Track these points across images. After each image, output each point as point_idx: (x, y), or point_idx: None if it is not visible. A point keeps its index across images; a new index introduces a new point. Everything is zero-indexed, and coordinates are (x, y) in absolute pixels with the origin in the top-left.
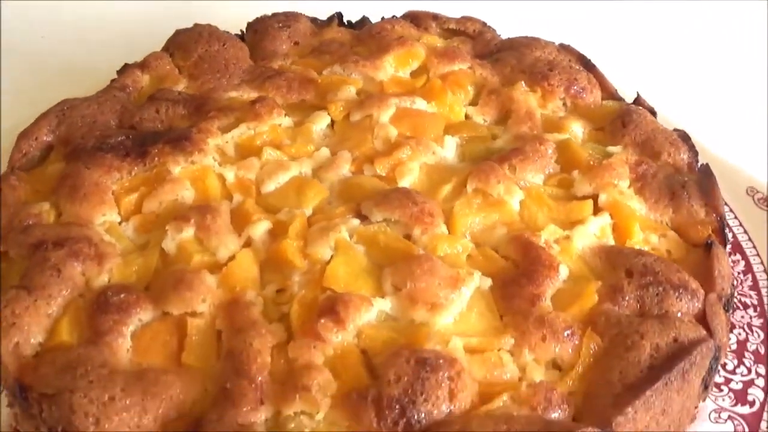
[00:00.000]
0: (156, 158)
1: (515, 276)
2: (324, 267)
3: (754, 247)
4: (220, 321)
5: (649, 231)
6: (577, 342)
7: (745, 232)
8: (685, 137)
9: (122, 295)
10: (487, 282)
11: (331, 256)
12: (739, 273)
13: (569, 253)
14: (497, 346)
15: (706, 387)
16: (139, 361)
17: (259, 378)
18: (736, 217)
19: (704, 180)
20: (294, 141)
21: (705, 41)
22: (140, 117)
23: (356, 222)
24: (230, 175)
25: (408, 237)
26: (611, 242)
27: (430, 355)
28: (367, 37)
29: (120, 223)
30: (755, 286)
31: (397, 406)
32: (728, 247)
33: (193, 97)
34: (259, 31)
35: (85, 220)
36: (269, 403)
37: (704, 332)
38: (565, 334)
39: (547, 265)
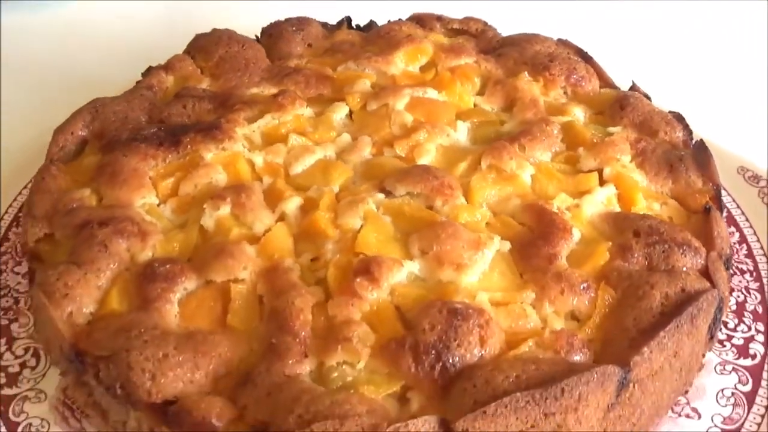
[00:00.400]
0: (188, 146)
1: (532, 239)
2: (355, 235)
3: (747, 219)
4: (261, 286)
5: (651, 200)
6: (592, 294)
7: (738, 207)
8: (679, 117)
9: (168, 266)
10: (507, 245)
11: (361, 226)
12: (735, 243)
13: (580, 219)
14: (520, 300)
15: (711, 337)
16: (186, 326)
17: (303, 333)
18: (729, 194)
19: (700, 153)
20: (316, 129)
21: (692, 34)
22: (168, 112)
23: (381, 196)
24: (259, 159)
25: (430, 208)
26: (617, 209)
27: (461, 305)
28: (376, 38)
29: (158, 205)
30: (750, 254)
31: (433, 352)
32: (724, 217)
33: (217, 94)
34: (273, 35)
35: (126, 203)
36: (312, 355)
37: (708, 284)
38: (582, 287)
39: (561, 227)
